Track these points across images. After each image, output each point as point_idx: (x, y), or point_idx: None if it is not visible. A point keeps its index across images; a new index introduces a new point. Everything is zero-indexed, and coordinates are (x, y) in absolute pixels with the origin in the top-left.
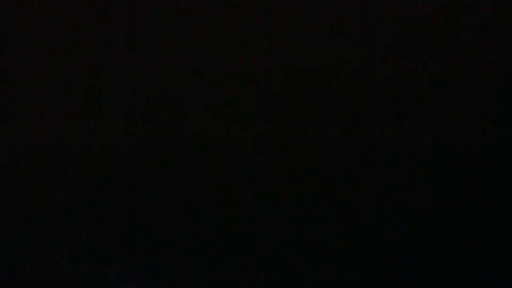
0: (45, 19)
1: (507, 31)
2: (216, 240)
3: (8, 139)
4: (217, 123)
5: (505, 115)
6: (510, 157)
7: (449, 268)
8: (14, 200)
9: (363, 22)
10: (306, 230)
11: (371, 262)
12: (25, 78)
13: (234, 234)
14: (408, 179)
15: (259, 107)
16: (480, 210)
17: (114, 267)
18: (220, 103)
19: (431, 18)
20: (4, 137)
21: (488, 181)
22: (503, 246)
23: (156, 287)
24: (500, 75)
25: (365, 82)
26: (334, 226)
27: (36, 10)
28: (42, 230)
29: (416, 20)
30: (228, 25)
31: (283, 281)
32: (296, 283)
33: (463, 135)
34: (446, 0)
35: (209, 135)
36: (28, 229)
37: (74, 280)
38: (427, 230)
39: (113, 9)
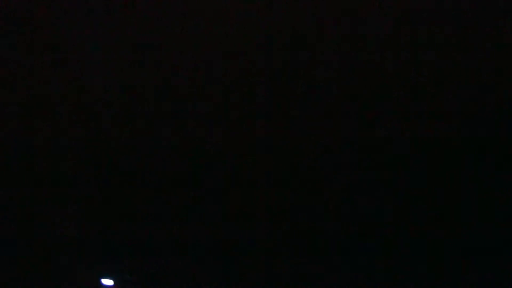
0: (41, 16)
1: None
2: (217, 241)
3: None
4: (217, 125)
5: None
6: (508, 156)
7: (447, 265)
8: (12, 199)
9: (366, 20)
10: (305, 230)
11: (371, 260)
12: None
13: (233, 234)
14: (408, 178)
15: (260, 108)
16: (478, 209)
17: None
18: (219, 104)
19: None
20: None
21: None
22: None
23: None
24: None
25: (367, 82)
26: (334, 224)
27: (34, 7)
28: (41, 229)
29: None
30: (227, 25)
31: (281, 279)
32: (296, 280)
33: (464, 133)
34: None
35: (208, 137)
36: (27, 228)
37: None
38: (425, 228)
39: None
